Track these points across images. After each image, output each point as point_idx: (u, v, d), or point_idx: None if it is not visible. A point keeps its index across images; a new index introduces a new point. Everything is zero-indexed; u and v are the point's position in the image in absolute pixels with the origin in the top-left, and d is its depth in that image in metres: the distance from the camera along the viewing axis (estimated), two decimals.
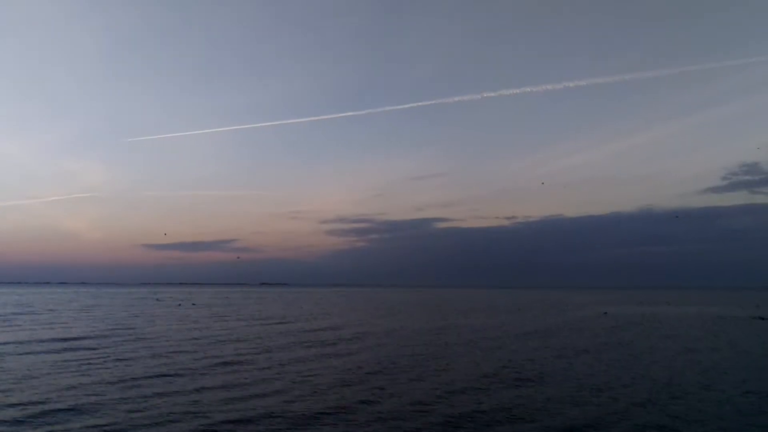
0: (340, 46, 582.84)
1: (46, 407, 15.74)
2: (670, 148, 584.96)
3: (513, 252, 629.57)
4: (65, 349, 28.70)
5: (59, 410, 15.44)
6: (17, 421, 14.24)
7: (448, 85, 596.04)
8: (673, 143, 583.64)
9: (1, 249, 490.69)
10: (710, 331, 43.66)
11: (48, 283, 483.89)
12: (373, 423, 14.52)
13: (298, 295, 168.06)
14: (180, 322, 49.66)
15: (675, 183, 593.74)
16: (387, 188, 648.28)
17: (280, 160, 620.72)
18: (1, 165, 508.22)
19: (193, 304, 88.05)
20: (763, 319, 58.10)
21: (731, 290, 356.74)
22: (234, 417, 14.91)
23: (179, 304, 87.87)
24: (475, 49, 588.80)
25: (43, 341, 32.22)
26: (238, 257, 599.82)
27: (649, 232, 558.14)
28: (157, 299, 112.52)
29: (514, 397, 17.63)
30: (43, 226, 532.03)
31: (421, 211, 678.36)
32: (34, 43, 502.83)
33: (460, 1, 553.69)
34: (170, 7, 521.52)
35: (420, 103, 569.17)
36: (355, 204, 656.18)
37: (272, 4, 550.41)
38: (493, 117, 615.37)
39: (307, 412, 15.42)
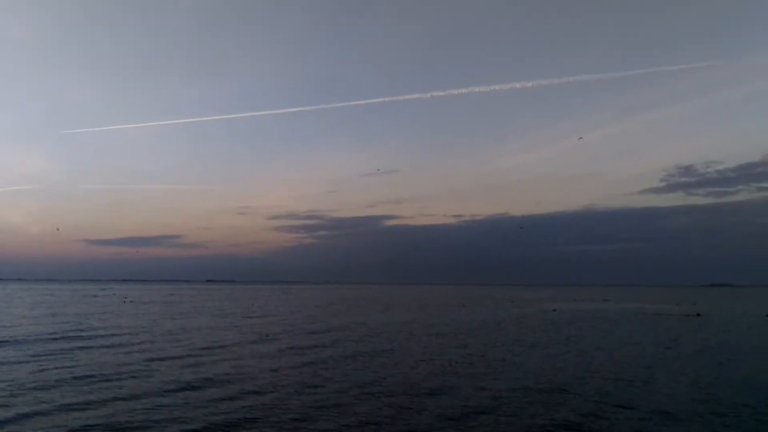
0: (291, 41, 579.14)
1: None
2: (611, 149, 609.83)
3: (460, 250, 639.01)
4: (22, 352, 26.98)
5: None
6: None
7: (398, 83, 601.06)
8: (614, 145, 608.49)
9: None
10: (651, 327, 45.33)
11: None
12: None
13: (246, 292, 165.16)
14: (130, 320, 47.89)
15: (616, 183, 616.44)
16: (337, 185, 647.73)
17: (228, 154, 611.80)
18: None
19: (131, 302, 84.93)
20: (699, 315, 60.84)
21: (668, 288, 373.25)
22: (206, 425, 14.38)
23: (124, 301, 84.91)
24: (424, 49, 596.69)
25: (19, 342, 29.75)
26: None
27: (590, 231, 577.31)
28: (94, 296, 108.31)
29: (469, 390, 17.71)
30: None
31: (371, 208, 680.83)
32: None
33: (412, 1, 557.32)
34: None
35: (370, 101, 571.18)
36: (304, 200, 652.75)
37: None
38: (442, 116, 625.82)
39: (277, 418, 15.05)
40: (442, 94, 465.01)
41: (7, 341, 30.05)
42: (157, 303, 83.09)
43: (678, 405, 16.27)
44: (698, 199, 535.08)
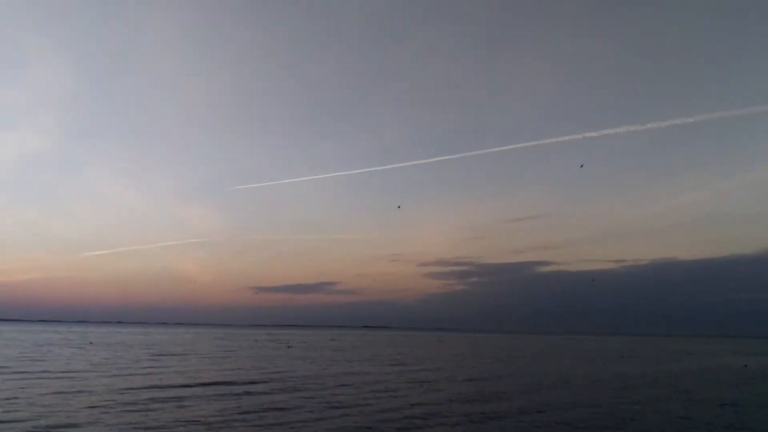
0: (435, 90, 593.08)
1: None
2: None
3: (622, 297, 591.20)
4: (229, 395, 29.13)
5: None
6: None
7: (547, 126, 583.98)
8: None
9: (124, 291, 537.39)
10: None
11: (165, 323, 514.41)
12: None
13: (404, 338, 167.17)
14: (300, 365, 50.38)
15: None
16: (484, 230, 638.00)
17: (379, 204, 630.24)
18: (124, 212, 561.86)
19: (293, 347, 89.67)
20: None
21: None
22: None
23: (288, 346, 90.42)
24: (574, 89, 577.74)
25: (206, 385, 33.34)
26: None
27: None
28: (255, 340, 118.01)
29: None
30: (160, 269, 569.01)
31: (521, 254, 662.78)
32: (155, 97, 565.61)
33: (558, 43, 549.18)
34: (273, 63, 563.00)
35: (517, 146, 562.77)
36: (453, 246, 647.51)
37: (367, 55, 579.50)
38: (594, 156, 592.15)
39: None
40: (594, 135, 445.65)
41: (215, 393, 32.81)
42: (321, 348, 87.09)
43: None
44: None
